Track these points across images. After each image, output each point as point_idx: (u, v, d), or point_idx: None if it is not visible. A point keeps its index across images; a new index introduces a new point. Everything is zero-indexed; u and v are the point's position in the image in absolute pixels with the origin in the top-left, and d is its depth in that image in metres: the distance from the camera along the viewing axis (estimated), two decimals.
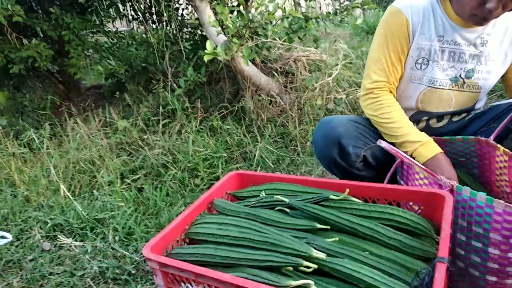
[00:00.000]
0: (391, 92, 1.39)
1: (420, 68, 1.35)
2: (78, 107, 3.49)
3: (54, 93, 3.58)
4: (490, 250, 0.99)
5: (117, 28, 4.22)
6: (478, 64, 1.33)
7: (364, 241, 0.98)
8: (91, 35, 3.76)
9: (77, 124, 2.86)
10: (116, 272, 1.44)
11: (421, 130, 1.47)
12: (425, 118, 1.46)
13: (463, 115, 1.46)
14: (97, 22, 3.60)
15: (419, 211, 1.08)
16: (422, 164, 1.23)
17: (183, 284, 0.96)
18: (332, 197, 1.06)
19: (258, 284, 0.80)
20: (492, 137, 1.29)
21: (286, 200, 1.11)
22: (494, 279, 1.01)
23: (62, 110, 3.43)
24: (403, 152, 1.23)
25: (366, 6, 2.79)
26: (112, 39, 3.89)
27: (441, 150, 1.26)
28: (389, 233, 0.96)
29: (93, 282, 1.42)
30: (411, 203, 1.10)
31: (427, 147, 1.26)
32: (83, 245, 1.62)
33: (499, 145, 1.23)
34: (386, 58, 1.34)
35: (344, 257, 0.92)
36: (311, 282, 0.84)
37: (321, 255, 0.90)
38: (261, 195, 1.22)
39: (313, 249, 0.91)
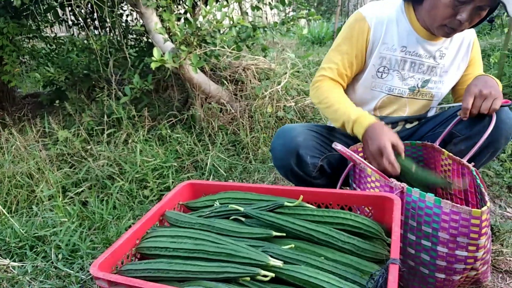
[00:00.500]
0: (339, 78, 1.43)
1: (381, 76, 1.41)
2: (13, 117, 3.26)
3: None
4: (439, 249, 1.04)
5: (56, 33, 4.00)
6: (434, 76, 1.42)
7: (319, 247, 0.99)
8: (27, 40, 3.53)
9: (12, 135, 2.66)
10: None
11: None
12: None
13: (415, 123, 1.53)
14: (34, 27, 3.39)
15: (370, 214, 1.12)
16: (361, 139, 1.27)
17: None
18: (286, 203, 1.06)
19: None
20: (437, 142, 1.37)
21: (241, 208, 1.09)
22: (443, 276, 1.07)
23: None
24: (347, 132, 1.31)
25: (310, 17, 2.88)
26: (51, 45, 3.67)
27: (374, 120, 1.28)
28: (343, 237, 0.97)
29: None
30: (362, 207, 1.13)
31: (361, 122, 1.28)
32: (22, 266, 1.50)
33: (443, 150, 1.30)
34: (339, 59, 1.39)
35: (300, 263, 0.92)
36: None
37: (278, 263, 0.89)
38: (215, 205, 1.19)
39: (270, 257, 0.90)
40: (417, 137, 1.51)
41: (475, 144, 1.22)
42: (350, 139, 1.53)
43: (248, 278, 0.88)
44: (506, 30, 2.41)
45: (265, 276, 0.88)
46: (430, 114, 1.52)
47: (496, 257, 1.32)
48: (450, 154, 1.26)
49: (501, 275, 1.27)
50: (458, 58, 1.42)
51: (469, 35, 1.43)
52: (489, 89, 1.18)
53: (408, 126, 1.53)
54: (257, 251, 0.93)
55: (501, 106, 1.21)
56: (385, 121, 1.49)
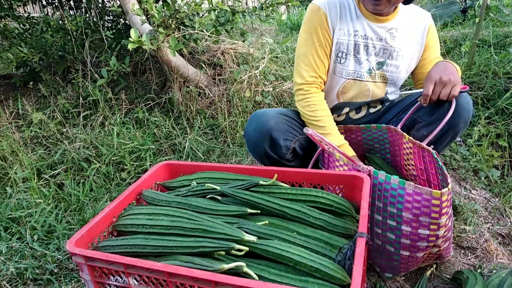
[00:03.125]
0: (319, 87, 1.47)
1: (340, 62, 1.44)
2: None
3: None
4: (403, 228, 1.10)
5: (29, 13, 3.87)
6: (389, 58, 1.45)
7: (292, 223, 1.03)
8: None
9: None
10: (36, 273, 1.34)
11: (342, 121, 1.57)
12: (345, 110, 1.56)
13: (378, 107, 1.58)
14: (6, 6, 3.27)
15: (340, 193, 1.16)
16: None
17: (112, 277, 0.93)
18: (261, 182, 1.10)
19: (190, 270, 0.81)
20: (399, 126, 1.42)
21: (218, 187, 1.12)
22: (407, 253, 1.13)
23: None
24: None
25: (289, 3, 2.89)
26: (24, 25, 3.55)
27: (354, 154, 1.37)
28: (314, 214, 1.02)
29: (10, 285, 1.31)
30: (333, 186, 1.17)
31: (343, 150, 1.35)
32: None
33: (404, 134, 1.36)
34: (313, 53, 1.41)
35: (273, 238, 0.96)
36: (243, 264, 0.86)
37: (252, 238, 0.93)
38: (192, 184, 1.22)
39: (244, 233, 0.94)
40: (384, 122, 1.56)
41: (436, 128, 1.27)
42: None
43: (223, 253, 0.92)
44: (477, 20, 2.49)
45: (240, 250, 0.91)
46: (392, 97, 1.56)
47: (459, 234, 1.39)
48: (411, 138, 1.32)
49: (463, 251, 1.35)
50: (413, 42, 1.46)
51: (424, 20, 1.46)
52: (448, 75, 1.22)
53: (372, 110, 1.58)
54: (232, 227, 0.96)
55: (460, 92, 1.26)
56: (349, 107, 1.54)
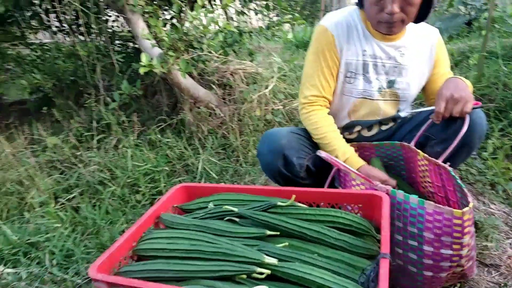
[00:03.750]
0: (323, 105, 1.48)
1: (350, 82, 1.45)
2: (0, 124, 3.22)
3: None
4: (425, 248, 1.08)
5: (41, 40, 3.97)
6: (400, 76, 1.46)
7: (312, 244, 1.02)
8: (12, 47, 3.50)
9: (0, 143, 2.63)
10: None
11: (354, 139, 1.58)
12: (357, 128, 1.57)
13: (391, 124, 1.58)
14: (19, 34, 3.37)
15: (359, 212, 1.16)
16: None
17: None
18: (279, 203, 1.10)
19: None
20: (412, 143, 1.42)
21: (235, 209, 1.13)
22: (430, 273, 1.10)
23: None
24: None
25: (295, 22, 2.93)
26: (36, 52, 3.65)
27: (363, 162, 1.37)
28: (334, 235, 1.01)
29: None
30: (351, 205, 1.17)
31: (350, 163, 1.36)
32: (16, 272, 1.50)
33: (419, 151, 1.35)
34: (319, 74, 1.43)
35: (294, 260, 0.95)
36: (265, 287, 0.86)
37: (273, 261, 0.93)
38: (209, 207, 1.22)
39: (265, 256, 0.93)
40: (396, 139, 1.55)
41: (450, 145, 1.26)
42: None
43: (245, 276, 0.92)
44: (484, 32, 2.50)
45: (261, 273, 0.91)
46: (403, 114, 1.55)
47: (481, 251, 1.37)
48: (425, 155, 1.31)
49: (486, 268, 1.32)
50: (422, 59, 1.46)
51: (431, 36, 1.46)
52: (459, 92, 1.22)
53: (384, 128, 1.58)
54: (252, 250, 0.96)
55: (473, 108, 1.25)
56: (361, 125, 1.54)
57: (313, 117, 1.45)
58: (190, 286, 0.90)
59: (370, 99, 1.47)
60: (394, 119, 1.56)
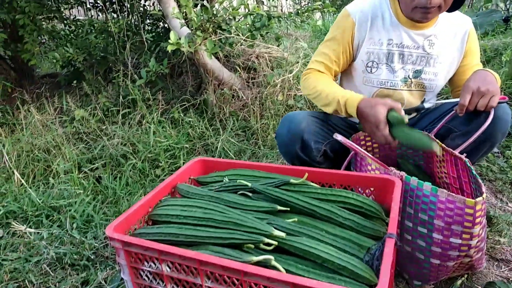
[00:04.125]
0: (322, 72, 1.48)
1: (371, 71, 1.44)
2: (31, 94, 3.35)
3: (5, 79, 3.39)
4: (434, 235, 1.08)
5: (75, 15, 4.08)
6: (427, 66, 1.43)
7: (321, 222, 1.04)
8: (47, 21, 3.61)
9: (30, 112, 2.75)
10: (74, 258, 1.42)
11: None
12: None
13: (414, 114, 1.56)
14: (54, 8, 3.46)
15: (371, 195, 1.17)
16: (357, 118, 1.29)
17: (146, 263, 0.98)
18: (292, 181, 1.12)
19: (220, 259, 0.84)
20: (432, 134, 1.40)
21: (249, 184, 1.15)
22: (438, 261, 1.11)
23: (14, 97, 3.27)
24: (340, 115, 1.37)
25: (325, 9, 2.90)
26: (70, 27, 3.75)
27: (362, 97, 1.28)
28: (344, 214, 1.03)
29: (50, 268, 1.40)
30: (364, 188, 1.18)
31: (351, 102, 1.29)
32: (38, 232, 1.58)
33: (437, 141, 1.33)
34: (330, 53, 1.44)
35: (302, 235, 0.97)
36: (271, 257, 0.88)
37: (281, 234, 0.95)
38: (224, 180, 1.25)
39: (274, 229, 0.96)
40: (419, 129, 1.53)
41: (470, 138, 1.24)
42: (351, 125, 1.57)
43: (252, 246, 0.95)
44: None
45: (269, 244, 0.94)
46: (428, 105, 1.53)
47: (493, 245, 1.36)
48: (443, 145, 1.29)
49: (496, 263, 1.31)
50: (453, 48, 1.43)
51: (464, 25, 1.42)
52: (487, 86, 1.19)
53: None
54: (262, 223, 0.99)
55: (498, 102, 1.21)
56: None
57: (310, 77, 1.46)
58: (199, 250, 0.93)
59: (393, 89, 1.45)
60: (417, 109, 1.54)
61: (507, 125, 1.27)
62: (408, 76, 1.44)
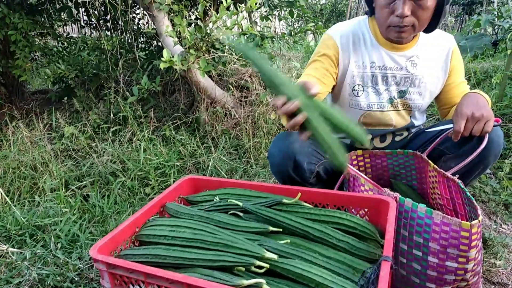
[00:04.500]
0: None
1: (357, 94, 1.42)
2: (21, 111, 3.31)
3: None
4: (430, 259, 1.05)
5: (68, 32, 4.08)
6: (412, 86, 1.41)
7: (314, 243, 1.01)
8: (39, 37, 3.60)
9: (19, 128, 2.70)
10: (57, 280, 1.35)
11: (367, 148, 1.55)
12: (368, 137, 1.52)
13: (404, 134, 1.55)
14: (47, 25, 3.46)
15: (365, 216, 1.14)
16: None
17: (131, 286, 0.94)
18: (284, 201, 1.09)
19: (209, 283, 0.80)
20: (425, 154, 1.38)
21: (240, 203, 1.12)
22: (433, 286, 1.07)
23: (3, 113, 3.22)
24: None
25: (318, 30, 2.94)
26: (63, 43, 3.74)
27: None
28: (337, 236, 1.00)
29: None
30: (357, 209, 1.15)
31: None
32: (21, 252, 1.52)
33: (430, 161, 1.32)
34: (311, 72, 1.38)
35: (295, 258, 0.94)
36: (262, 281, 0.85)
37: (273, 256, 0.92)
38: (214, 200, 1.22)
39: (265, 250, 0.93)
40: (410, 149, 1.52)
41: (464, 161, 1.22)
42: (345, 146, 1.55)
43: (243, 269, 0.91)
44: (509, 52, 2.45)
45: (260, 267, 0.90)
46: (418, 123, 1.51)
47: (489, 268, 1.33)
48: (435, 166, 1.28)
49: (492, 286, 1.28)
50: (437, 68, 1.41)
51: (447, 44, 1.41)
52: (480, 111, 1.17)
53: (397, 138, 1.54)
54: (253, 244, 0.95)
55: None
56: (372, 134, 1.51)
57: None
58: (187, 273, 0.89)
59: (381, 111, 1.44)
60: (407, 128, 1.53)
61: (499, 148, 1.26)
62: (394, 96, 1.42)
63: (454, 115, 1.23)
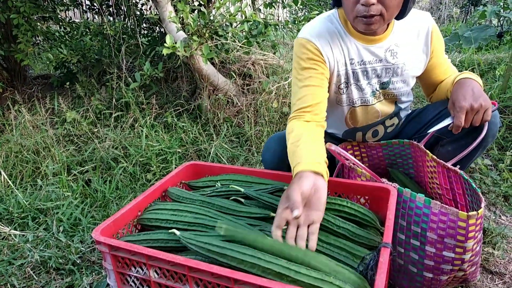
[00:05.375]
0: (310, 119, 1.25)
1: (343, 92, 1.36)
2: (23, 95, 3.31)
3: None
4: (427, 248, 1.06)
5: (70, 17, 4.05)
6: (394, 76, 1.35)
7: None
8: (42, 22, 3.58)
9: (21, 113, 2.70)
10: (59, 262, 1.37)
11: (360, 143, 1.54)
12: (359, 134, 1.50)
13: (395, 123, 1.49)
14: (50, 9, 3.44)
15: (365, 204, 1.15)
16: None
17: (133, 269, 0.95)
18: (285, 187, 1.09)
19: (210, 266, 0.81)
20: (422, 143, 1.37)
21: (242, 189, 1.13)
22: (430, 275, 1.09)
23: (5, 97, 3.22)
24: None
25: None
26: (65, 28, 3.72)
27: (308, 169, 1.00)
28: (338, 222, 1.01)
29: (34, 272, 1.35)
30: (358, 197, 1.16)
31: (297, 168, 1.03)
32: (23, 235, 1.54)
33: (428, 151, 1.31)
34: (305, 85, 1.26)
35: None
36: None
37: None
38: (216, 185, 1.23)
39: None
40: (405, 137, 1.50)
41: (462, 145, 1.21)
42: (338, 142, 1.54)
43: None
44: None
45: None
46: (404, 105, 1.46)
47: (487, 258, 1.34)
48: (434, 156, 1.26)
49: (490, 275, 1.29)
50: (417, 51, 1.34)
51: (425, 25, 1.32)
52: (478, 100, 1.15)
53: (389, 130, 1.50)
54: (253, 229, 0.96)
55: None
56: (362, 131, 1.48)
57: (292, 124, 1.22)
58: (188, 256, 0.90)
59: (366, 105, 1.39)
60: (396, 114, 1.47)
61: (496, 128, 1.25)
62: (376, 89, 1.37)
63: (451, 108, 1.20)
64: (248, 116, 2.51)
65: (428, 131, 1.39)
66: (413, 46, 1.33)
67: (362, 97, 1.37)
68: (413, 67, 1.35)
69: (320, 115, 1.25)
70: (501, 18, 4.18)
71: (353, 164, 1.23)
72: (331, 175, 1.34)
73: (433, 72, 1.40)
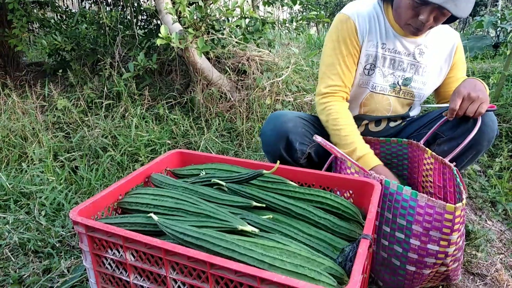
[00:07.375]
0: (344, 97, 1.43)
1: (368, 73, 1.42)
2: (15, 81, 3.27)
3: None
4: (412, 241, 1.06)
5: (67, 5, 4.02)
6: (416, 74, 1.43)
7: (296, 221, 1.01)
8: (38, 8, 3.55)
9: (11, 97, 2.67)
10: (38, 245, 1.35)
11: (361, 133, 1.55)
12: (365, 122, 1.54)
13: (399, 121, 1.56)
14: None
15: (350, 198, 1.14)
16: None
17: (110, 251, 0.93)
18: (264, 172, 1.08)
19: (187, 249, 0.80)
20: (422, 142, 1.39)
21: (223, 183, 1.11)
22: (413, 268, 1.08)
23: None
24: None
25: (320, 19, 2.91)
26: (61, 16, 3.69)
27: (378, 162, 1.31)
28: (319, 213, 1.00)
29: (12, 254, 1.33)
30: (342, 190, 1.15)
31: (366, 161, 1.31)
32: (4, 217, 1.51)
33: (427, 149, 1.33)
34: (340, 62, 1.38)
35: (275, 232, 0.94)
36: (255, 229, 0.84)
37: (254, 229, 0.91)
38: (201, 174, 1.21)
39: (247, 224, 0.92)
40: (404, 137, 1.53)
41: (458, 145, 1.24)
42: None
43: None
44: (508, 52, 2.45)
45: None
46: (413, 113, 1.53)
47: (470, 259, 1.34)
48: (433, 153, 1.29)
49: (472, 277, 1.29)
50: (440, 59, 1.44)
51: (453, 38, 1.44)
52: (477, 92, 1.20)
53: (392, 124, 1.55)
54: (235, 217, 0.95)
55: (487, 110, 1.23)
56: (368, 119, 1.52)
57: (333, 107, 1.38)
58: (165, 240, 0.89)
59: (382, 93, 1.45)
60: (403, 117, 1.53)
61: (493, 133, 1.28)
62: (398, 82, 1.44)
63: (452, 95, 1.26)
64: (240, 112, 2.50)
65: (423, 105, 1.47)
66: (439, 53, 1.43)
67: (381, 84, 1.43)
68: (433, 72, 1.44)
69: (348, 93, 1.43)
70: (498, 29, 4.21)
71: (341, 155, 1.23)
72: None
73: (450, 86, 1.48)
